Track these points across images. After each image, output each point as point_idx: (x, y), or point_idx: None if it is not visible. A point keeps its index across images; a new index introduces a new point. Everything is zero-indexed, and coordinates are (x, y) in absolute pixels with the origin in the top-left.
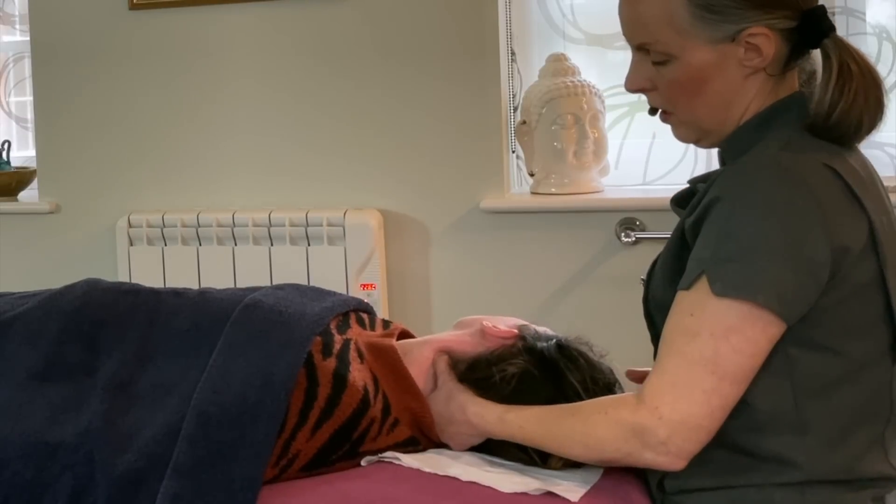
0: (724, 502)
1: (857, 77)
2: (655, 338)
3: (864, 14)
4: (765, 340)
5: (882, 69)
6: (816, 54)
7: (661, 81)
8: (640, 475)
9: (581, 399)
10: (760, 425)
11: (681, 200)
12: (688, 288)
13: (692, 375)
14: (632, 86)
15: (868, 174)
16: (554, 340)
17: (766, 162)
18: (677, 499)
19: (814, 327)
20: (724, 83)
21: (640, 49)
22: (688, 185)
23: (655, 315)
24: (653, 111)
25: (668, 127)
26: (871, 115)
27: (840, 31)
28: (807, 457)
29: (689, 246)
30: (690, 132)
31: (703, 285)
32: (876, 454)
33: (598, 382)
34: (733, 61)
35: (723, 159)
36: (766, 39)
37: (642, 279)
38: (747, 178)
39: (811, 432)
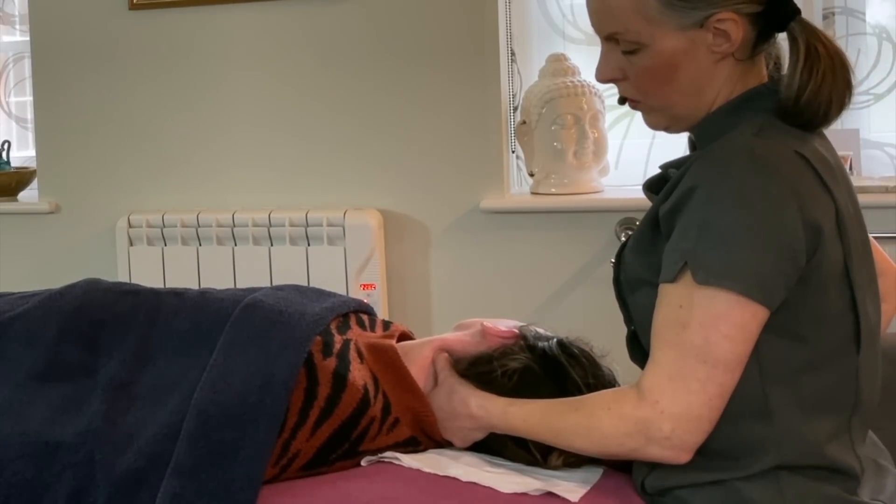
0: (702, 499)
1: (824, 58)
2: (629, 319)
3: (864, 14)
4: (754, 325)
5: (882, 69)
6: (783, 40)
7: (631, 70)
8: None
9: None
10: (730, 414)
11: (653, 186)
12: (672, 280)
13: (686, 366)
14: (603, 76)
15: (836, 161)
16: (555, 339)
17: (739, 149)
18: (661, 499)
19: (784, 314)
20: (694, 69)
21: (609, 39)
22: (659, 171)
23: (627, 296)
24: (622, 101)
25: None
26: (840, 96)
27: (840, 31)
28: (774, 442)
29: (662, 231)
30: (661, 119)
31: (687, 276)
32: (842, 443)
33: (599, 379)
34: (703, 47)
35: (693, 145)
36: (733, 24)
37: (612, 261)
38: (722, 167)
39: (777, 418)
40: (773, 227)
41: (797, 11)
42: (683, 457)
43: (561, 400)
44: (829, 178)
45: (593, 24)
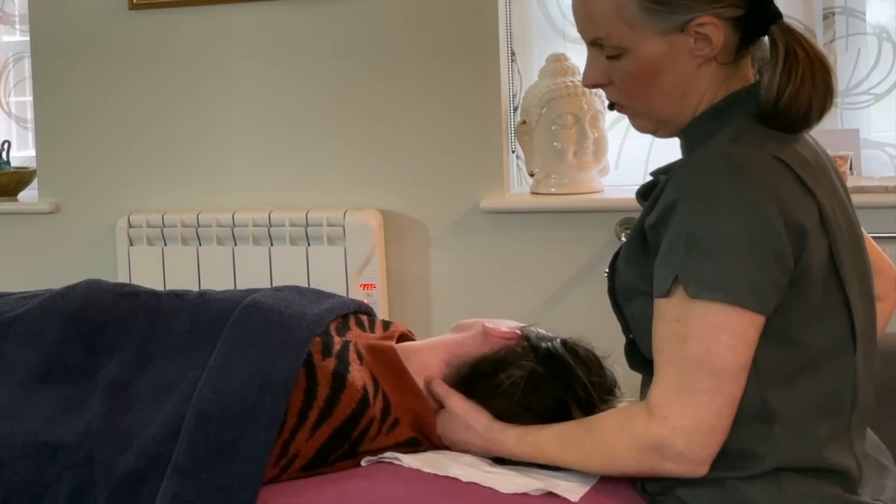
0: (703, 499)
1: (803, 61)
2: (626, 328)
3: (864, 14)
4: (753, 332)
5: (882, 69)
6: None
7: (616, 75)
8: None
9: (589, 396)
10: None
11: (645, 193)
12: (666, 295)
13: (691, 380)
14: (588, 81)
15: (819, 163)
16: (558, 339)
17: (716, 159)
18: (661, 499)
19: (774, 318)
20: (676, 73)
21: (593, 44)
22: (651, 178)
23: (622, 305)
24: (612, 106)
25: None
26: (820, 99)
27: (840, 31)
28: (773, 445)
29: (648, 242)
30: (647, 123)
31: (680, 290)
32: (841, 443)
33: (604, 379)
34: (684, 51)
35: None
36: (714, 28)
37: (606, 271)
38: (701, 178)
39: (777, 422)
40: (757, 233)
41: (778, 14)
42: (700, 470)
43: (572, 424)
44: (811, 180)
45: (579, 30)
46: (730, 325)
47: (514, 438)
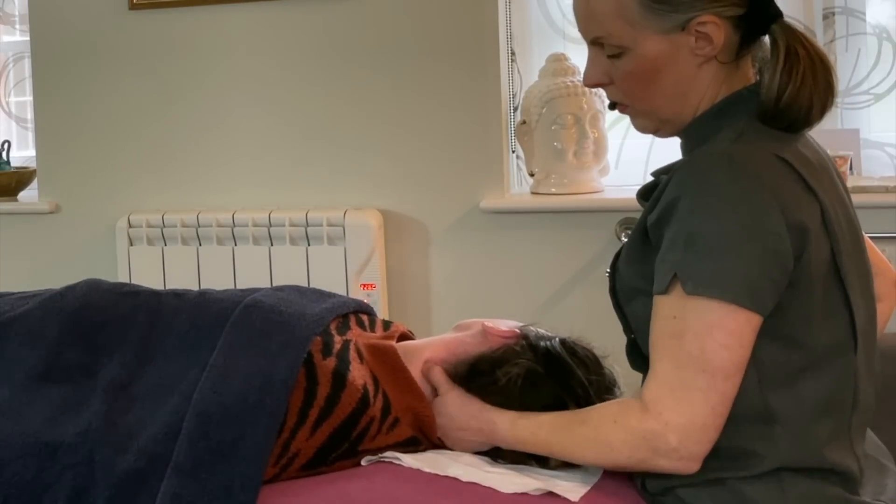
0: (704, 499)
1: (804, 60)
2: (627, 328)
3: (864, 14)
4: (749, 331)
5: (882, 69)
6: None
7: (616, 74)
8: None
9: (587, 395)
10: (732, 416)
11: (646, 193)
12: (665, 292)
13: (686, 377)
14: (589, 81)
15: (820, 162)
16: (557, 339)
17: (718, 157)
18: (662, 499)
19: (775, 317)
20: (677, 72)
21: (594, 44)
22: (652, 178)
23: (624, 305)
24: (613, 106)
25: None
26: (821, 98)
27: (840, 31)
28: (775, 445)
29: (651, 241)
30: (648, 123)
31: (678, 287)
32: (842, 443)
33: (602, 378)
34: (685, 50)
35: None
36: (715, 27)
37: (607, 272)
38: (703, 176)
39: (778, 421)
40: (757, 233)
41: (779, 14)
42: (693, 466)
43: (568, 413)
44: (813, 179)
45: (580, 29)
46: (726, 324)
47: (507, 421)
